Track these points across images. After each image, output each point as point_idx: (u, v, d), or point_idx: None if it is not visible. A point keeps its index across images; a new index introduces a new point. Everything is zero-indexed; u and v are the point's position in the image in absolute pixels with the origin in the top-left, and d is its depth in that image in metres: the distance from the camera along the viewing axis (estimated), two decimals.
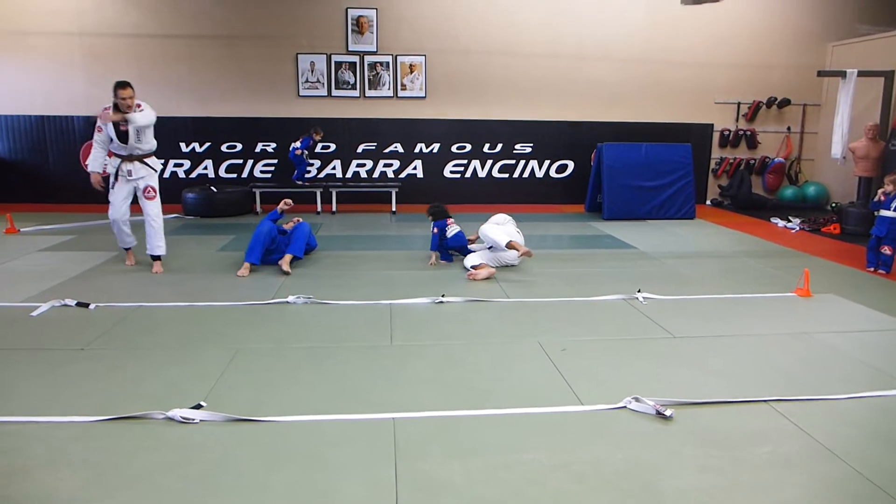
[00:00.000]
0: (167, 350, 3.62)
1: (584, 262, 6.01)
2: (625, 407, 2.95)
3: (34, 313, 4.19)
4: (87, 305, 4.35)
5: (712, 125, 10.16)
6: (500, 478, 2.37)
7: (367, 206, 9.29)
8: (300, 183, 8.91)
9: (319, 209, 8.80)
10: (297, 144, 8.79)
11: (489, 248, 5.59)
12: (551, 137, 9.85)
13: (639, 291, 4.80)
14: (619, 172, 8.56)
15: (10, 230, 7.14)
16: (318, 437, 2.65)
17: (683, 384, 3.24)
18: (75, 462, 2.44)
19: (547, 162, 9.94)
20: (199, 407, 2.83)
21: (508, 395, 3.09)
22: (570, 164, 9.99)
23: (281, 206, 5.80)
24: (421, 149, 9.70)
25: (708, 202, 10.30)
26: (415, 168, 9.75)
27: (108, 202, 5.40)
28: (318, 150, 9.48)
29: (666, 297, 4.77)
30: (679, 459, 2.53)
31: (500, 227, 5.57)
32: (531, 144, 9.84)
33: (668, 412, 2.85)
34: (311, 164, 9.45)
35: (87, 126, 9.36)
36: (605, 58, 9.71)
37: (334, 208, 8.82)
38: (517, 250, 5.33)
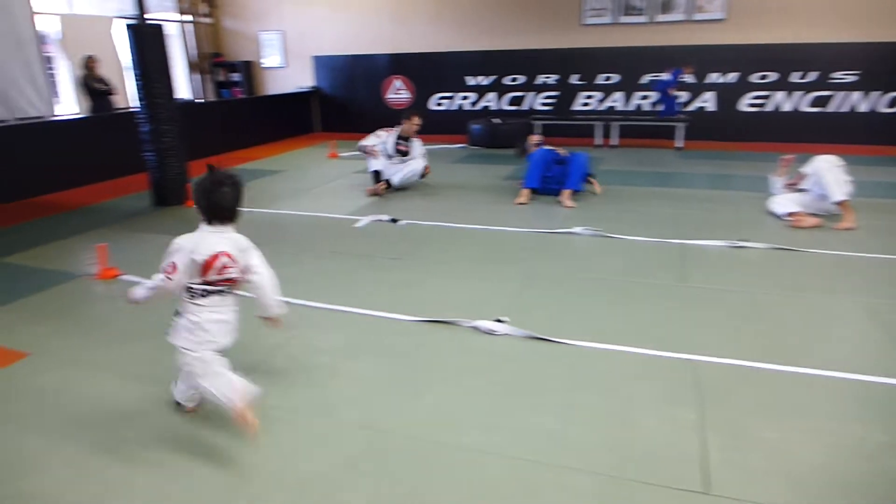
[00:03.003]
0: (467, 266, 3.93)
1: None
2: None
3: (357, 225, 4.88)
4: (397, 221, 4.92)
5: None
6: (822, 444, 2.12)
7: (650, 141, 8.82)
8: (671, 117, 8.42)
9: (598, 142, 8.62)
10: (666, 77, 8.41)
11: (802, 190, 4.88)
12: (885, 63, 8.12)
13: None
14: None
15: (332, 155, 8.35)
16: (614, 367, 2.65)
17: None
18: (398, 353, 2.81)
19: (876, 93, 8.27)
20: (500, 321, 3.03)
21: (827, 357, 2.72)
22: None
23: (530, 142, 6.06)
24: (715, 79, 8.80)
25: None
26: (705, 101, 8.92)
27: None
28: (599, 81, 9.23)
29: None
30: None
31: (836, 174, 4.66)
32: (857, 72, 8.25)
33: None
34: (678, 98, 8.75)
35: (389, 62, 10.38)
36: None
37: (614, 142, 8.55)
38: (846, 218, 4.58)
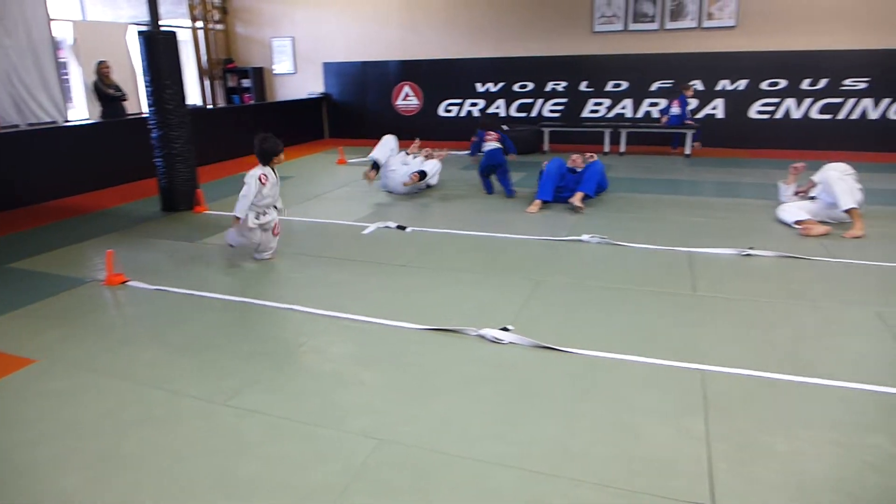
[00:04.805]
0: (474, 274, 3.92)
1: None
2: None
3: (365, 232, 4.88)
4: (404, 228, 4.93)
5: None
6: (832, 456, 2.10)
7: (658, 149, 8.81)
8: (678, 126, 8.36)
9: (607, 149, 8.60)
10: (676, 110, 8.37)
11: (811, 198, 4.86)
12: None
13: None
14: None
15: (340, 161, 8.38)
16: (621, 376, 2.64)
17: None
18: (404, 362, 2.81)
19: (887, 101, 8.21)
20: (506, 330, 3.02)
21: (838, 368, 2.69)
22: None
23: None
24: (724, 86, 8.77)
25: None
26: (714, 108, 8.89)
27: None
28: (609, 88, 9.22)
29: None
30: None
31: (846, 182, 4.63)
32: (867, 79, 8.20)
33: None
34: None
35: (399, 69, 10.41)
36: None
37: (622, 149, 8.53)
38: (855, 226, 4.54)
